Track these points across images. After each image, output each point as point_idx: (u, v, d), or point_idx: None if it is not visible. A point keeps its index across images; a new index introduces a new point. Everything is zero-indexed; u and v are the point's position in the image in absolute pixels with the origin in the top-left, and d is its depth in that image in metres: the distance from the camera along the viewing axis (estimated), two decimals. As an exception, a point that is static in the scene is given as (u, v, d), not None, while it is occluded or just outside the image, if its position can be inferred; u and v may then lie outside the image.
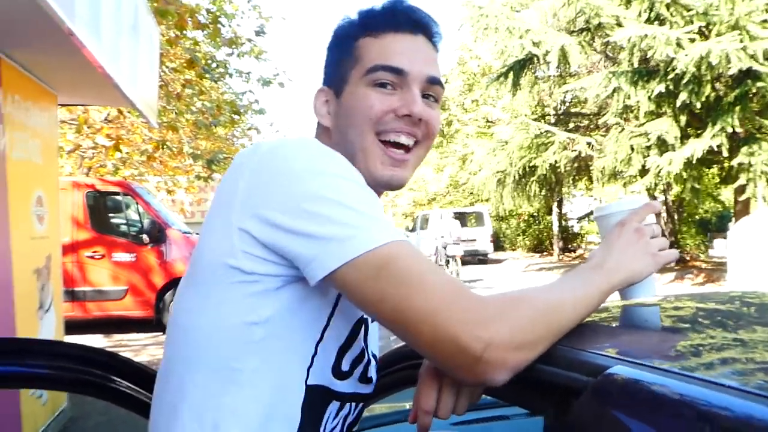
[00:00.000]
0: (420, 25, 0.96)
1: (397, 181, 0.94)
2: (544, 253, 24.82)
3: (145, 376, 1.29)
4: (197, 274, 0.85)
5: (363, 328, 0.94)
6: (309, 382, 0.85)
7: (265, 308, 0.80)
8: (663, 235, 0.92)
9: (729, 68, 10.23)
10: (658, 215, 0.94)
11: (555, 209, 22.65)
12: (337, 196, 0.76)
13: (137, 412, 1.28)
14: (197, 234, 10.64)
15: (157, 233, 8.44)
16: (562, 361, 0.74)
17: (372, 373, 0.97)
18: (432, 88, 0.95)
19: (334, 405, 0.90)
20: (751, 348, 0.77)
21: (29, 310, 3.96)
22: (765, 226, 8.57)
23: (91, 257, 8.16)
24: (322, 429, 0.90)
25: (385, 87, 0.92)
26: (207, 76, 8.89)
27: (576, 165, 15.01)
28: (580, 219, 28.42)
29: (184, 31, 7.85)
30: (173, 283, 8.53)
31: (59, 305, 4.67)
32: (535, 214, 25.67)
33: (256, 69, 26.19)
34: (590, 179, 15.84)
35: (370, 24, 0.96)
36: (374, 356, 1.01)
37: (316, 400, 0.87)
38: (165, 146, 9.27)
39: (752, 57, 10.20)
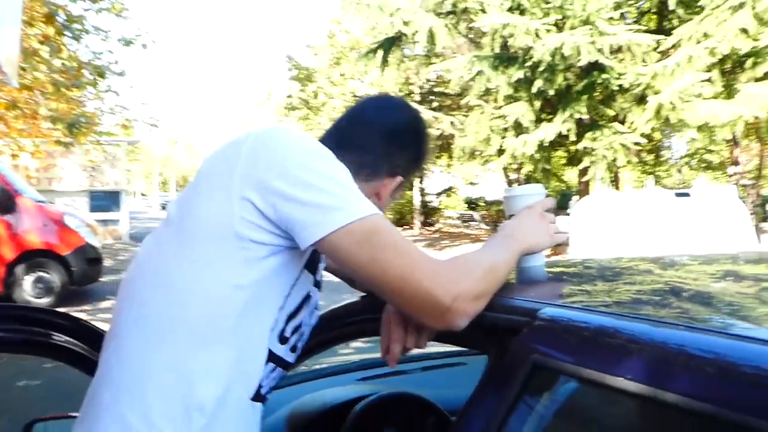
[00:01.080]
0: None
1: None
2: (406, 227, 25.67)
3: (88, 332, 1.32)
4: (187, 237, 0.92)
5: (309, 304, 1.06)
6: (268, 345, 0.97)
7: (251, 273, 0.90)
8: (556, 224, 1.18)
9: (579, 60, 11.15)
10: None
11: (417, 184, 23.47)
12: (329, 171, 0.90)
13: (77, 367, 1.31)
14: (52, 203, 9.91)
15: (6, 202, 7.79)
16: (500, 307, 0.93)
17: (300, 345, 1.09)
18: None
19: (270, 366, 1.01)
20: (629, 289, 1.02)
21: None
22: (603, 205, 9.52)
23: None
24: (258, 388, 0.99)
25: None
26: (65, 33, 8.29)
27: (439, 143, 15.67)
28: (438, 194, 29.63)
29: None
30: (26, 256, 7.97)
31: None
32: (398, 188, 26.35)
33: (116, 28, 24.42)
34: (450, 157, 16.61)
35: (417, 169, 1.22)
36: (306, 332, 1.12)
37: (268, 361, 0.98)
38: (15, 107, 8.53)
39: (599, 51, 11.18)
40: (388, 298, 0.95)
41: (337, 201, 0.88)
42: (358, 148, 1.11)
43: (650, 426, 0.71)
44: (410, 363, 2.12)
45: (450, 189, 30.64)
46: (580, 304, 0.93)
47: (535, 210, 1.12)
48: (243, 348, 0.93)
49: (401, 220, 26.48)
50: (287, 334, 1.01)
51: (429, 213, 26.40)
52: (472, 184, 32.70)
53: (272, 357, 0.99)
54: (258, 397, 0.99)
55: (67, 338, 1.29)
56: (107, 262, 11.85)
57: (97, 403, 0.94)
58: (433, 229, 24.39)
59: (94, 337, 1.37)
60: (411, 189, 24.82)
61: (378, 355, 1.05)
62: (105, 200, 18.12)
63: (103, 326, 1.26)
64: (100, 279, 9.20)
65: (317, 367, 2.11)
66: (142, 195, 69.95)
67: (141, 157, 52.90)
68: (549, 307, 0.86)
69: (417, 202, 23.95)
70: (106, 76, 9.90)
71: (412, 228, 24.48)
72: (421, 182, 23.84)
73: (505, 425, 0.79)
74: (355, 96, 25.08)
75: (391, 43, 14.94)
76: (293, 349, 1.06)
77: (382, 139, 1.12)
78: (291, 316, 1.00)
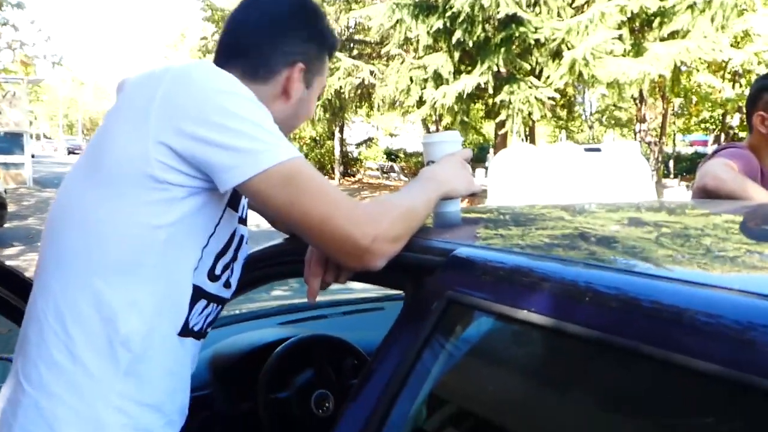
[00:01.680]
0: None
1: None
2: (326, 177, 25.52)
3: (11, 277, 1.28)
4: (104, 177, 0.91)
5: (236, 241, 1.07)
6: (193, 282, 0.98)
7: (170, 214, 0.90)
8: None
9: (498, 12, 11.25)
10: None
11: (337, 134, 23.30)
12: (249, 114, 0.89)
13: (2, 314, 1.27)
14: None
15: None
16: (418, 247, 0.96)
17: (233, 280, 1.10)
18: None
19: (201, 303, 1.02)
20: (546, 228, 1.08)
21: None
22: (519, 159, 9.82)
23: None
24: (189, 323, 1.01)
25: None
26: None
27: (359, 92, 15.56)
28: (358, 145, 29.57)
29: None
30: None
31: None
32: (318, 138, 26.17)
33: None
34: (371, 107, 16.56)
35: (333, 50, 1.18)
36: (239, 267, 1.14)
37: (193, 298, 0.99)
38: None
39: (517, 3, 11.33)
40: (309, 240, 0.96)
41: (256, 144, 0.87)
42: (245, 53, 1.07)
43: (559, 357, 0.76)
44: (330, 308, 2.16)
45: (370, 140, 30.63)
46: (493, 245, 0.98)
47: (456, 157, 1.15)
48: (165, 285, 0.94)
49: (321, 170, 26.30)
50: (217, 271, 1.02)
51: (349, 163, 26.35)
52: (392, 135, 32.82)
53: (203, 294, 1.01)
54: (188, 332, 1.01)
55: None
56: (11, 208, 11.23)
57: (26, 343, 0.95)
58: (353, 179, 24.41)
59: (18, 283, 1.33)
60: (331, 138, 24.63)
61: (298, 300, 1.07)
62: (6, 142, 17.13)
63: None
64: (4, 225, 8.75)
65: (239, 311, 2.11)
66: (46, 138, 66.11)
67: (44, 98, 49.67)
68: (463, 247, 0.89)
69: (337, 152, 23.81)
70: (2, 8, 9.17)
71: (332, 178, 24.38)
72: (341, 132, 23.66)
73: (420, 359, 0.82)
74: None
75: (310, -12, 14.53)
76: (226, 285, 1.08)
77: (264, 33, 1.08)
78: (220, 254, 1.02)
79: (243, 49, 1.07)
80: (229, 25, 1.12)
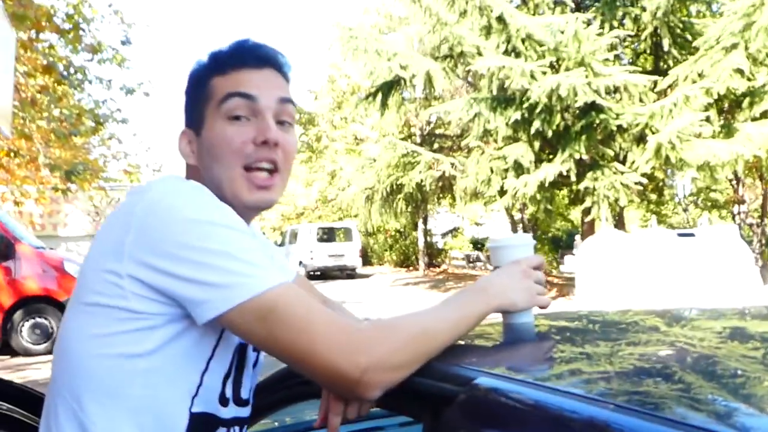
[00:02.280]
0: (266, 59, 1.04)
1: (265, 204, 1.02)
2: (410, 268, 25.55)
3: (30, 398, 1.28)
4: (83, 305, 0.90)
5: (238, 354, 1.01)
6: (194, 410, 0.92)
7: (149, 341, 0.87)
8: (544, 285, 1.09)
9: (576, 100, 11.19)
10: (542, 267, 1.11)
11: (420, 225, 23.42)
12: (223, 245, 0.84)
13: None
14: (52, 249, 9.97)
15: (5, 249, 7.83)
16: (437, 373, 0.87)
17: (245, 394, 1.04)
18: (284, 110, 1.03)
19: (221, 430, 0.97)
20: (595, 360, 0.94)
21: None
22: (607, 245, 9.46)
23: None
24: None
25: (240, 119, 0.98)
26: (65, 82, 8.40)
27: (440, 184, 15.66)
28: (443, 235, 29.58)
29: (40, 35, 7.40)
30: (23, 302, 7.95)
31: None
32: (402, 229, 26.39)
33: (119, 77, 25.02)
34: (453, 197, 16.60)
35: (219, 64, 1.03)
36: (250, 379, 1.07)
37: (201, 427, 0.93)
38: (17, 155, 8.61)
39: (596, 91, 11.22)
40: (297, 371, 0.91)
41: (228, 278, 0.83)
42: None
43: None
44: (388, 418, 2.03)
45: (455, 229, 30.61)
46: (532, 373, 0.85)
47: (519, 266, 1.04)
48: (154, 416, 0.89)
49: (405, 261, 26.39)
50: (228, 394, 0.97)
51: (434, 254, 26.28)
52: (477, 224, 32.67)
53: (218, 421, 0.96)
54: None
55: (9, 406, 1.25)
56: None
57: None
58: (438, 270, 24.23)
59: (35, 403, 1.34)
60: (415, 229, 24.80)
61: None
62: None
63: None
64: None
65: (288, 421, 2.02)
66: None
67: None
68: (486, 377, 0.79)
69: (421, 243, 23.85)
70: (105, 125, 10.00)
71: (416, 269, 24.35)
72: (425, 223, 23.78)
73: None
74: (356, 138, 25.31)
75: (389, 87, 15.07)
76: (240, 403, 1.02)
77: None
78: (227, 376, 0.96)
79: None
80: None
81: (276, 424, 1.95)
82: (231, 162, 0.97)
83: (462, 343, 0.98)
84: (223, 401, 0.96)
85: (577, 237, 21.42)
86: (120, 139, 13.81)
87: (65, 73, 8.21)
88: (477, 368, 0.84)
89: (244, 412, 1.04)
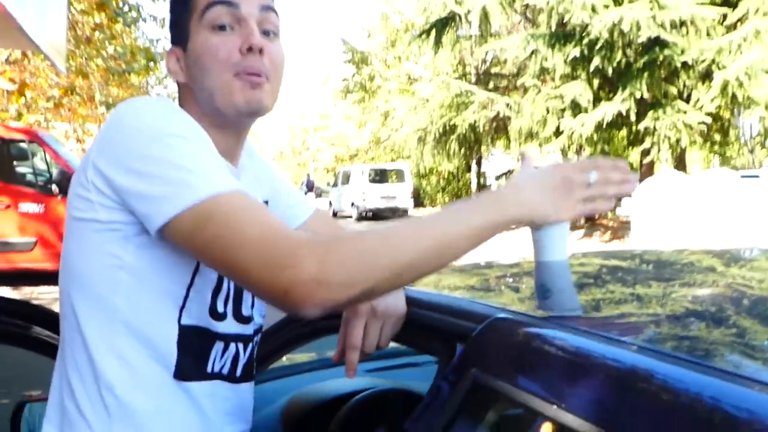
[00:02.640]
0: None
1: (256, 104, 0.96)
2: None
3: (49, 317, 1.31)
4: (69, 220, 0.91)
5: None
6: (183, 323, 0.91)
7: (126, 253, 0.86)
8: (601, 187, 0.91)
9: (639, 35, 10.67)
10: None
11: (474, 167, 23.15)
12: (167, 154, 0.81)
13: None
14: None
15: (67, 183, 8.05)
16: (454, 309, 0.83)
17: (247, 311, 1.01)
18: (267, 18, 0.98)
19: (219, 344, 0.96)
20: (631, 300, 0.87)
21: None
22: (666, 187, 9.14)
23: (-4, 207, 7.77)
24: (209, 368, 0.96)
25: (224, 29, 0.95)
26: (119, 19, 8.47)
27: (494, 125, 15.36)
28: (498, 177, 29.20)
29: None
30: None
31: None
32: (455, 171, 26.17)
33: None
34: (508, 139, 16.28)
35: None
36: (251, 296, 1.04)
37: (195, 340, 0.93)
38: (74, 93, 8.81)
39: (661, 26, 10.67)
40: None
41: (169, 189, 0.80)
42: None
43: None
44: (413, 356, 2.02)
45: (510, 171, 30.14)
46: (552, 313, 0.78)
47: (558, 171, 0.89)
48: (143, 328, 0.89)
49: (458, 203, 26.22)
50: (219, 309, 0.96)
51: (486, 196, 25.97)
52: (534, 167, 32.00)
53: (215, 335, 0.95)
54: (202, 375, 0.95)
55: (41, 329, 1.27)
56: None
57: (51, 387, 0.96)
58: (490, 212, 23.97)
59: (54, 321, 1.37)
60: (468, 171, 24.54)
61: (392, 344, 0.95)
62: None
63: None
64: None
65: (328, 354, 2.04)
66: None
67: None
68: (504, 314, 0.74)
69: (474, 185, 23.61)
70: (157, 61, 10.10)
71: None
72: (478, 165, 23.47)
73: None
74: (409, 78, 24.94)
75: (444, 24, 14.70)
76: (242, 320, 1.01)
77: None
78: (216, 290, 0.95)
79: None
80: None
81: (295, 360, 1.97)
82: (220, 71, 0.94)
83: (486, 276, 0.93)
84: (216, 315, 0.95)
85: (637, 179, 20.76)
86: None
87: (117, 10, 8.24)
88: (497, 305, 0.79)
89: (248, 329, 1.02)
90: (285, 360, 1.90)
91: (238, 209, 0.80)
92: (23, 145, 8.12)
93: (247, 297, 1.01)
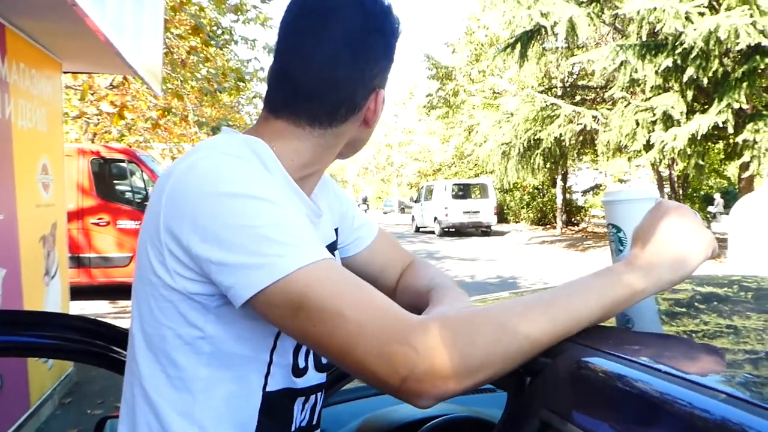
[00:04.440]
0: None
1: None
2: (548, 226, 24.86)
3: (123, 337, 1.34)
4: (140, 287, 0.84)
5: None
6: (268, 389, 0.87)
7: (207, 324, 0.80)
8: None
9: (737, 43, 10.12)
10: None
11: (559, 182, 22.62)
12: (252, 221, 0.73)
13: None
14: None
15: (161, 201, 8.50)
16: None
17: (326, 360, 0.97)
18: None
19: (300, 400, 0.93)
20: (722, 337, 0.80)
21: (35, 276, 4.04)
22: (766, 203, 8.58)
23: (96, 224, 8.23)
24: (293, 426, 0.92)
25: None
26: (212, 42, 8.85)
27: (581, 138, 14.97)
28: (584, 192, 28.39)
29: (189, -2, 7.81)
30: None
31: (65, 272, 4.75)
32: (540, 186, 25.64)
33: (261, 36, 25.99)
34: (595, 152, 15.81)
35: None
36: None
37: (279, 403, 0.89)
38: (170, 113, 9.27)
39: (761, 32, 10.08)
40: None
41: (254, 259, 0.72)
42: (312, 96, 0.86)
43: None
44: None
45: (597, 186, 29.26)
46: (629, 349, 0.71)
47: (682, 214, 0.79)
48: (228, 397, 0.84)
49: (543, 219, 25.69)
50: (301, 365, 0.92)
51: (573, 212, 25.33)
52: (621, 181, 31.02)
53: (297, 393, 0.92)
54: None
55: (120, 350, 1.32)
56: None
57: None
58: (576, 228, 23.37)
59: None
60: (554, 186, 23.99)
61: None
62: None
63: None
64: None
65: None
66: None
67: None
68: (578, 348, 0.69)
69: (559, 200, 23.05)
70: (247, 81, 10.46)
71: (554, 227, 23.65)
72: (563, 180, 22.90)
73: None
74: (494, 92, 24.71)
75: (529, 37, 14.50)
76: (320, 369, 0.98)
77: (339, 66, 0.85)
78: (297, 349, 0.91)
79: (308, 91, 0.86)
80: (284, 60, 0.88)
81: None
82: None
83: None
84: (298, 373, 0.91)
85: (717, 195, 19.67)
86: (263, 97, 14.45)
87: (211, 34, 8.63)
88: (570, 339, 0.73)
89: (322, 377, 0.99)
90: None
91: (332, 287, 0.72)
92: (122, 164, 8.59)
93: None
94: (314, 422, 0.99)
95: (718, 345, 0.75)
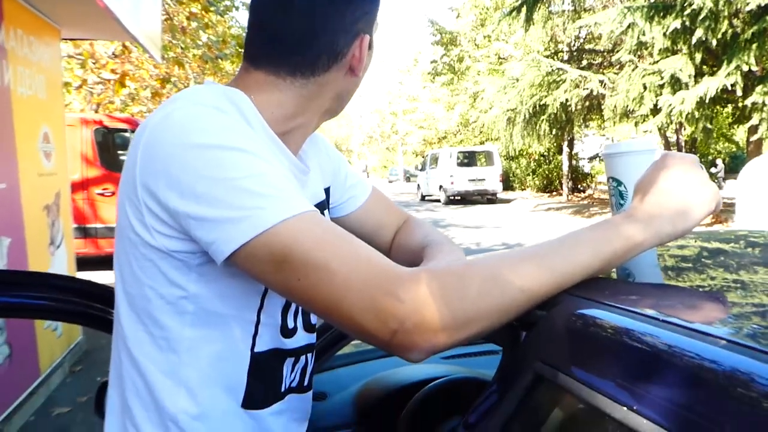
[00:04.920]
0: None
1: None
2: (554, 193, 24.78)
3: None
4: (120, 246, 0.81)
5: None
6: (256, 350, 0.85)
7: (189, 283, 0.78)
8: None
9: (747, 3, 9.92)
10: None
11: (565, 149, 22.46)
12: (231, 173, 0.70)
13: None
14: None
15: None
16: None
17: (315, 319, 0.96)
18: None
19: (290, 360, 0.91)
20: (721, 288, 0.78)
21: (40, 246, 4.05)
22: (775, 167, 8.50)
23: (102, 194, 8.23)
24: (283, 386, 0.91)
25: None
26: (212, 9, 8.73)
27: (587, 104, 14.80)
28: (591, 159, 28.20)
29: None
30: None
31: (70, 241, 4.76)
32: (545, 153, 25.48)
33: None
34: (602, 118, 15.66)
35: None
36: None
37: (268, 363, 0.87)
38: (171, 82, 9.20)
39: (773, -8, 9.88)
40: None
41: (236, 213, 0.68)
42: (294, 47, 0.83)
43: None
44: (476, 345, 1.95)
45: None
46: (626, 299, 0.69)
47: (686, 165, 0.77)
48: (211, 359, 0.82)
49: (549, 186, 25.60)
50: (290, 325, 0.90)
51: (579, 179, 25.18)
52: (626, 145, 30.71)
53: (286, 353, 0.90)
54: (273, 397, 0.90)
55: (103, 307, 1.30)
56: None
57: (109, 404, 0.89)
58: (582, 195, 23.27)
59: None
60: (560, 153, 23.84)
61: None
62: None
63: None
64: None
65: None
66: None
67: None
68: (571, 299, 0.67)
69: (566, 167, 22.90)
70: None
71: (560, 194, 23.57)
72: (570, 146, 22.73)
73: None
74: (499, 58, 24.42)
75: (535, 0, 14.25)
76: (309, 329, 0.96)
77: (318, 9, 0.82)
78: (286, 308, 0.89)
79: (285, 39, 0.83)
80: (260, 7, 0.85)
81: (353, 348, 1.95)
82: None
83: None
84: (286, 333, 0.89)
85: (718, 161, 19.48)
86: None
87: (211, 0, 8.51)
88: (566, 291, 0.71)
89: (312, 337, 0.97)
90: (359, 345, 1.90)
91: (316, 240, 0.69)
92: (126, 134, 8.55)
93: None
94: (305, 383, 0.97)
95: (718, 295, 0.72)
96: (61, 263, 4.46)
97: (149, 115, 0.78)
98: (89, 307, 1.26)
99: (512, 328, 0.74)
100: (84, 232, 8.08)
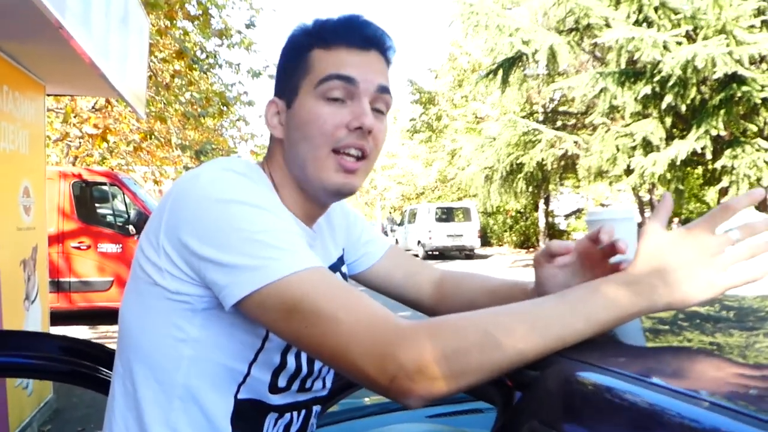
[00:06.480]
0: (372, 41, 0.95)
1: (348, 189, 0.94)
2: (531, 249, 24.97)
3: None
4: (135, 283, 0.89)
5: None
6: (239, 397, 0.90)
7: (192, 327, 0.85)
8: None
9: (714, 72, 10.34)
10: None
11: (542, 206, 22.78)
12: (246, 225, 0.78)
13: None
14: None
15: (144, 224, 8.39)
16: None
17: (310, 383, 0.99)
18: (381, 98, 0.95)
19: (272, 415, 0.95)
20: (706, 350, 0.80)
21: (15, 300, 3.98)
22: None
23: (77, 248, 8.12)
24: None
25: (336, 101, 0.92)
26: (196, 66, 8.86)
27: (563, 163, 15.12)
28: (567, 216, 28.58)
29: (174, 21, 7.84)
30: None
31: (45, 296, 4.68)
32: (522, 210, 25.80)
33: (246, 60, 26.13)
34: (577, 177, 15.97)
35: (324, 36, 0.94)
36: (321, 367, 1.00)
37: (248, 412, 0.91)
38: (153, 137, 9.24)
39: (738, 61, 10.32)
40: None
41: (251, 261, 0.77)
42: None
43: None
44: (469, 403, 1.96)
45: (579, 210, 29.50)
46: (616, 361, 0.71)
47: (710, 223, 0.77)
48: (200, 405, 0.87)
49: (525, 242, 25.81)
50: (281, 384, 0.94)
51: (555, 235, 25.44)
52: (602, 205, 31.31)
53: (268, 408, 0.93)
54: None
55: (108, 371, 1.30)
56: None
57: None
58: (559, 252, 23.39)
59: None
60: (536, 210, 24.15)
61: None
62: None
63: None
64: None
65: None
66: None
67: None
68: (565, 361, 0.70)
69: (542, 223, 23.17)
70: (231, 105, 10.48)
71: (537, 250, 23.70)
72: (546, 204, 23.08)
73: None
74: (476, 117, 24.95)
75: (511, 64, 14.68)
76: (303, 390, 0.99)
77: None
78: (278, 370, 0.92)
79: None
80: None
81: (358, 404, 1.94)
82: (320, 143, 0.91)
83: None
84: (274, 390, 0.93)
85: (675, 220, 19.83)
86: (247, 121, 14.44)
87: (195, 58, 8.64)
88: (559, 353, 0.73)
89: (305, 396, 1.00)
90: (348, 402, 1.88)
91: (325, 292, 0.76)
92: (104, 187, 8.50)
93: (314, 368, 0.98)
94: None
95: (703, 358, 0.75)
96: (35, 318, 4.38)
97: (181, 175, 0.90)
98: (78, 365, 1.26)
99: (507, 389, 0.76)
100: (57, 286, 7.93)
